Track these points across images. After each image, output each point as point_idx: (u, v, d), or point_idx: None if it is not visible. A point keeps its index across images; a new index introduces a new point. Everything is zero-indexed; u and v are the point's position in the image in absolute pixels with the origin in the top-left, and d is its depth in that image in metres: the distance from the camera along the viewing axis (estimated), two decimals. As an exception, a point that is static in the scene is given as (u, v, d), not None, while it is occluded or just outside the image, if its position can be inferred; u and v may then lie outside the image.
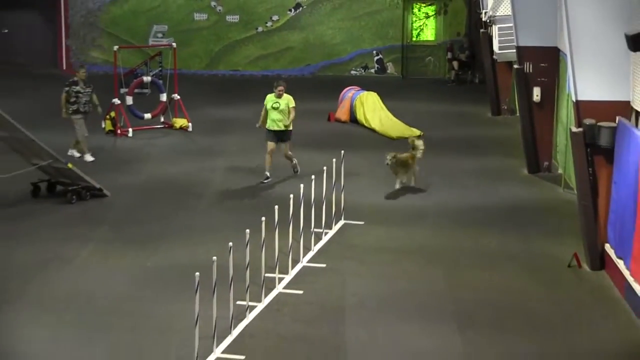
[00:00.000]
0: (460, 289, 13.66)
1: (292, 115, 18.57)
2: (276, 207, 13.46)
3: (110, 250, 15.00)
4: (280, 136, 18.59)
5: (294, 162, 19.08)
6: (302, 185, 14.38)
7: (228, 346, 11.62)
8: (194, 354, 10.94)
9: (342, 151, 17.23)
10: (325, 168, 15.98)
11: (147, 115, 23.68)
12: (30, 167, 17.69)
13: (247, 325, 12.23)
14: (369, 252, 15.13)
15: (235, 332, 11.97)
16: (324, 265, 14.46)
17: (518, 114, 21.45)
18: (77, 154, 20.40)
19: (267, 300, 13.00)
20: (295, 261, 14.34)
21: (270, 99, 18.65)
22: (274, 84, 18.67)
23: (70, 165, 17.36)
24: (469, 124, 25.62)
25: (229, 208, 17.38)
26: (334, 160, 16.46)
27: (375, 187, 18.87)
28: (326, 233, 15.79)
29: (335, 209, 16.38)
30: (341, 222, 16.43)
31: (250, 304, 12.56)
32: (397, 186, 18.32)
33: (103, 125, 23.05)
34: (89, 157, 20.33)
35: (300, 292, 13.40)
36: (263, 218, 12.87)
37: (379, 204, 17.73)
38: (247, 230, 12.34)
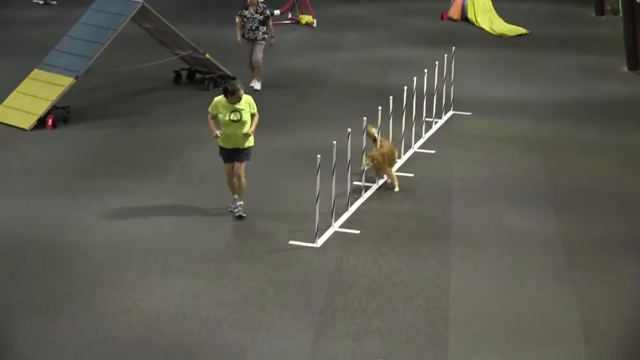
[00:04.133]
0: (557, 175, 13.46)
1: (256, 122, 11.70)
2: (391, 97, 13.39)
3: (242, 132, 15.18)
4: (238, 155, 11.71)
5: (242, 194, 11.81)
6: (415, 78, 14.24)
7: (345, 221, 11.74)
8: (315, 227, 11.11)
9: (453, 47, 16.95)
10: (437, 62, 15.77)
11: (277, 12, 23.63)
12: (172, 57, 17.93)
13: (362, 204, 12.32)
14: (475, 140, 14.99)
15: (352, 209, 12.07)
16: (433, 152, 14.39)
17: (621, 15, 20.71)
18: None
19: (381, 182, 13.04)
20: (407, 147, 14.30)
21: (222, 106, 11.50)
22: (227, 87, 11.49)
23: (207, 56, 17.50)
24: (573, 23, 24.90)
25: (348, 97, 17.36)
26: (445, 55, 16.22)
27: (482, 81, 18.59)
28: (436, 122, 15.68)
29: (445, 100, 16.22)
30: (450, 113, 16.27)
31: (366, 184, 12.63)
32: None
33: (237, 21, 23.09)
34: (256, 85, 17.64)
35: (411, 175, 13.39)
36: (379, 107, 12.83)
37: (486, 97, 17.47)
38: (365, 118, 12.33)
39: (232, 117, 11.48)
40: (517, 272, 10.45)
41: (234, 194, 11.89)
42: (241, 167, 11.71)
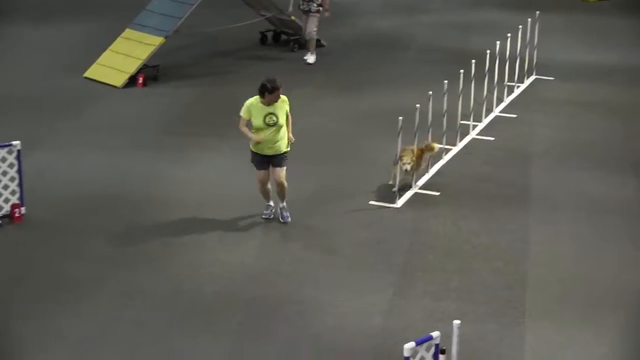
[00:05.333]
0: (638, 141, 13.21)
1: (290, 124, 10.58)
2: (473, 61, 13.26)
3: (324, 93, 15.22)
4: (276, 161, 10.50)
5: (283, 204, 10.67)
6: (498, 42, 14.06)
7: (425, 183, 11.72)
8: (395, 188, 11.10)
9: (537, 11, 16.66)
10: (520, 27, 15.53)
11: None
12: (258, 18, 17.98)
13: (442, 166, 12.28)
14: (557, 105, 14.78)
15: (432, 171, 12.04)
16: (514, 116, 14.24)
17: None
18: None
19: (461, 145, 12.97)
20: (489, 111, 14.17)
21: (257, 108, 10.25)
22: (265, 84, 10.20)
23: (293, 17, 17.52)
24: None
25: (430, 60, 17.23)
26: (529, 19, 15.96)
27: (566, 45, 18.26)
28: (518, 86, 15.48)
29: (528, 64, 15.99)
30: (532, 77, 16.04)
31: (446, 147, 12.57)
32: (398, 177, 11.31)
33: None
34: (309, 58, 16.95)
35: (492, 138, 13.28)
36: (461, 70, 12.72)
37: (569, 61, 17.17)
38: (445, 81, 12.25)
39: (267, 120, 10.19)
40: (596, 237, 10.33)
41: (267, 200, 10.71)
42: (282, 172, 10.45)
